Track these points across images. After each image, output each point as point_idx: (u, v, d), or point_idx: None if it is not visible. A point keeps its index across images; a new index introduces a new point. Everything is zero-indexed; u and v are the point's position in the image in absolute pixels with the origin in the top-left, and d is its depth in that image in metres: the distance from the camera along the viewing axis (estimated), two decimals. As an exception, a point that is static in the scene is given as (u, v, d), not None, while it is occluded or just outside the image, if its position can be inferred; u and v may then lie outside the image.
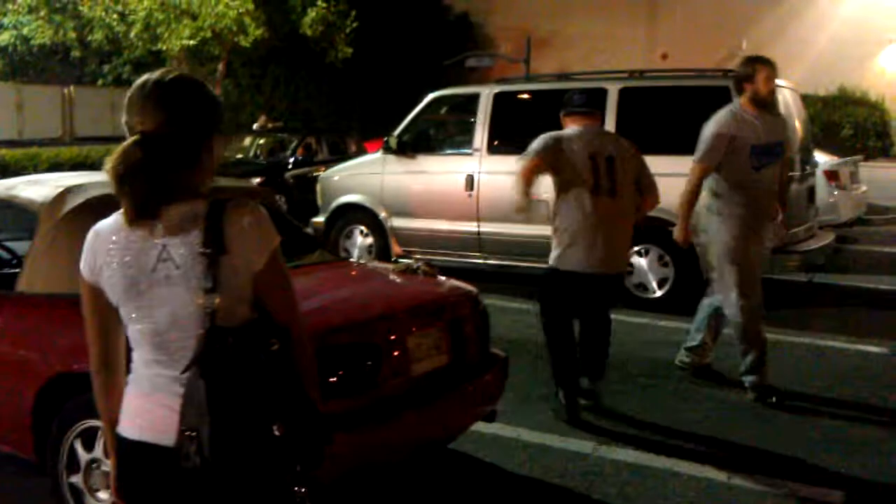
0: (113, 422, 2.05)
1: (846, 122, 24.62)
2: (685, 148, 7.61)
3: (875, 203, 13.37)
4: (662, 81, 8.47)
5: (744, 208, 5.20)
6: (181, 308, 1.90)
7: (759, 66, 5.23)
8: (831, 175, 10.54)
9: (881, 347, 6.43)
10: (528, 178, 4.73)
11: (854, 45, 26.41)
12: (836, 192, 10.51)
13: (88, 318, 2.05)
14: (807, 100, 18.53)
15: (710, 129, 5.27)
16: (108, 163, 1.91)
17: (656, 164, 7.66)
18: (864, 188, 11.84)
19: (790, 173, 7.74)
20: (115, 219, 1.98)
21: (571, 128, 4.92)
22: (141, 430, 1.96)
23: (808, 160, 8.42)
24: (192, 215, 1.92)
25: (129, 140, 1.91)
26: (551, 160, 4.75)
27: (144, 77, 1.99)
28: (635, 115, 7.86)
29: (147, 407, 1.96)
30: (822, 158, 10.57)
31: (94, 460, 3.43)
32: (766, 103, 5.25)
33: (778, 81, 7.90)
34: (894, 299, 8.35)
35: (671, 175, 7.59)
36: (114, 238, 1.95)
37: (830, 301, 8.22)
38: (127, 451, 1.99)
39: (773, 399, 5.23)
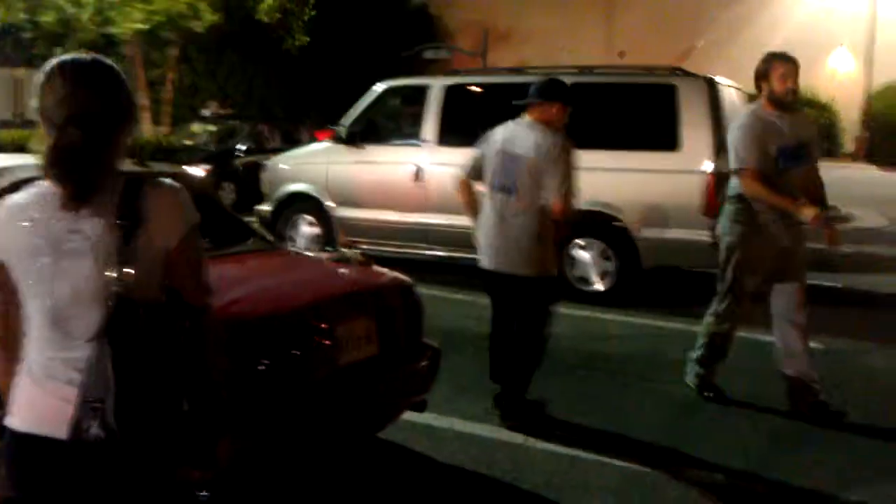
0: None
1: (796, 122, 25.03)
2: (631, 143, 7.78)
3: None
4: (611, 78, 8.54)
5: (765, 214, 4.87)
6: (84, 282, 1.88)
7: (775, 62, 4.80)
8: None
9: (818, 343, 6.49)
10: (465, 199, 5.02)
11: (806, 47, 26.73)
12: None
13: None
14: (758, 100, 18.87)
15: (736, 133, 4.86)
16: (43, 144, 1.90)
17: (603, 158, 7.82)
18: (808, 187, 12.04)
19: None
20: (26, 194, 1.95)
21: (515, 120, 4.89)
22: (30, 422, 1.91)
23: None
24: (109, 189, 1.92)
25: (63, 122, 1.89)
26: (474, 174, 4.93)
27: (57, 61, 1.96)
28: (584, 110, 7.90)
29: (38, 397, 1.92)
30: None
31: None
32: (783, 103, 4.80)
33: (724, 81, 8.07)
34: (830, 296, 8.48)
35: (617, 170, 7.74)
36: (25, 213, 1.92)
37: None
38: (14, 443, 1.94)
39: (711, 395, 5.23)
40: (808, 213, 4.72)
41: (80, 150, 1.88)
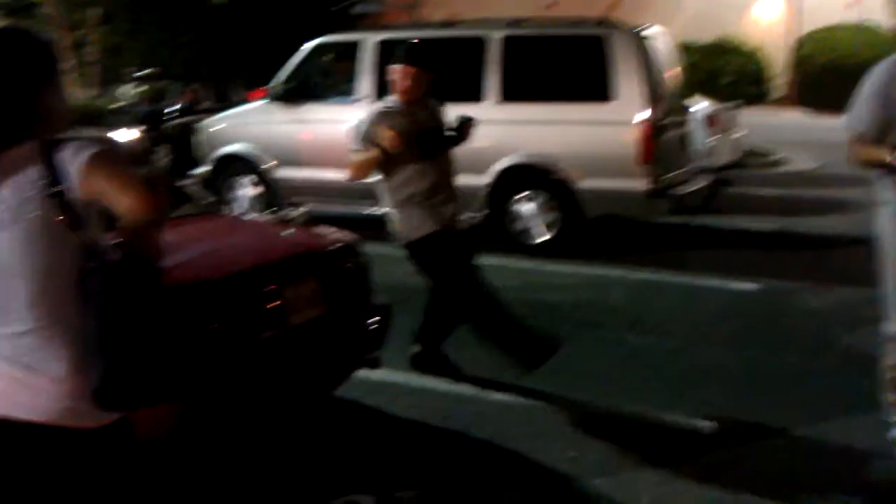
0: None
1: (726, 69, 25.37)
2: (565, 96, 7.82)
3: (752, 147, 13.87)
4: (541, 31, 8.52)
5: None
6: (8, 254, 1.83)
7: None
8: (709, 120, 10.84)
9: (753, 284, 6.72)
10: None
11: (734, -7, 27.13)
12: (713, 137, 10.82)
13: None
14: (688, 49, 19.06)
15: (863, 87, 3.67)
16: None
17: (538, 111, 7.86)
18: (741, 133, 12.25)
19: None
20: None
21: None
22: None
23: (682, 107, 8.67)
24: (24, 157, 1.86)
25: None
26: None
27: None
28: (517, 63, 7.92)
29: None
30: (702, 104, 10.85)
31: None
32: None
33: (651, 29, 8.12)
34: (766, 239, 8.72)
35: (553, 122, 7.79)
36: None
37: (707, 242, 8.53)
38: None
39: None
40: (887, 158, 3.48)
41: None
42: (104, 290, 1.83)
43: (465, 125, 4.64)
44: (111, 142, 2.08)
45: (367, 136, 4.42)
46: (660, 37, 8.30)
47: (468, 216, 7.93)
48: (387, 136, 4.28)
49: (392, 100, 4.60)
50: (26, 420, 1.85)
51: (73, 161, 1.85)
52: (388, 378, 4.59)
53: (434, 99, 4.74)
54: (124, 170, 1.91)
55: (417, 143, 4.43)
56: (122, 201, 1.86)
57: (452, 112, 6.96)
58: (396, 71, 4.52)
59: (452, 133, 4.66)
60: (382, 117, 4.46)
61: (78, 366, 1.86)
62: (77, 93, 18.37)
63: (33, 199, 1.83)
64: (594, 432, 4.13)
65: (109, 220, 1.95)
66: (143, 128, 12.83)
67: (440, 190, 4.55)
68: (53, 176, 1.84)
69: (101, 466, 1.94)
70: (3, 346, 1.86)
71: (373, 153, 4.35)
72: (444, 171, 4.64)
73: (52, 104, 1.95)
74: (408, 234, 4.55)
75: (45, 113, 1.93)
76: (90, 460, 1.93)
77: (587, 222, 7.83)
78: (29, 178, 1.84)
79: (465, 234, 4.78)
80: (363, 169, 4.45)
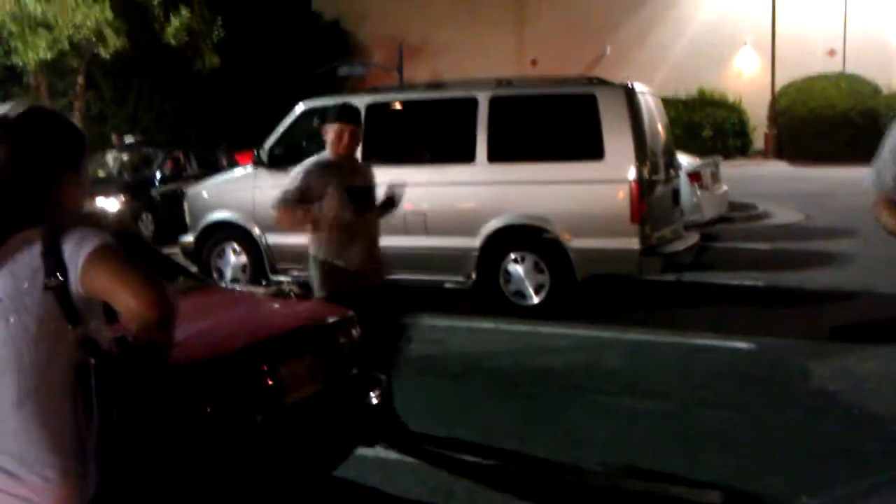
0: None
1: (706, 122, 25.72)
2: (555, 155, 7.83)
3: (736, 201, 13.97)
4: (530, 90, 8.57)
5: None
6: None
7: None
8: (694, 176, 10.93)
9: (748, 343, 6.67)
10: None
11: (712, 47, 27.66)
12: (699, 193, 10.91)
13: None
14: (668, 103, 19.29)
15: (884, 142, 3.50)
16: None
17: (528, 171, 7.86)
18: (724, 187, 12.36)
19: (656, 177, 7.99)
20: None
21: None
22: None
23: (671, 163, 8.71)
24: (26, 243, 1.78)
25: None
26: None
27: None
28: (505, 123, 7.95)
29: None
30: (684, 160, 10.95)
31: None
32: None
33: (639, 87, 8.20)
34: (757, 294, 8.72)
35: (544, 182, 7.78)
36: None
37: (698, 300, 8.51)
38: None
39: None
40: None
41: None
42: (100, 389, 1.75)
43: (393, 198, 4.81)
44: (109, 235, 1.96)
45: (299, 191, 4.50)
46: (648, 93, 8.36)
47: (459, 280, 7.95)
48: (331, 206, 4.40)
49: (326, 155, 4.68)
50: None
51: (76, 255, 1.78)
52: (387, 455, 4.50)
53: (365, 160, 4.87)
54: (127, 267, 1.81)
55: (350, 199, 4.52)
56: (125, 302, 1.79)
57: (444, 174, 6.89)
58: (332, 129, 4.64)
59: (382, 201, 4.83)
60: (318, 169, 4.57)
61: (65, 472, 1.77)
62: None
63: (31, 291, 1.75)
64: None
65: (110, 312, 1.87)
66: (127, 196, 12.80)
67: (360, 248, 4.63)
68: (54, 267, 1.76)
69: None
70: None
71: (308, 216, 4.47)
72: (369, 229, 4.74)
73: (69, 194, 1.89)
74: (315, 290, 4.64)
75: (60, 202, 1.87)
76: None
77: (579, 283, 7.79)
78: (28, 268, 1.76)
79: (378, 291, 4.78)
80: (292, 225, 4.67)
